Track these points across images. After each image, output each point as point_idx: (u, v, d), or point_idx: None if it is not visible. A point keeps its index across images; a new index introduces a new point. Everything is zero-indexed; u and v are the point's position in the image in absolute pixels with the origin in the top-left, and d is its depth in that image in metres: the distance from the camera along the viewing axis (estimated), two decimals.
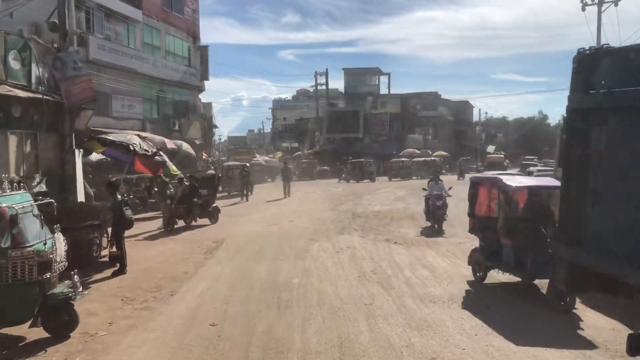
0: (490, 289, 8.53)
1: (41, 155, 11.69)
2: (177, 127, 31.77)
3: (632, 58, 4.42)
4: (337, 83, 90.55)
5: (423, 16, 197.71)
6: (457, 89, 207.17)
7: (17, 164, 11.09)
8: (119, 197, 10.20)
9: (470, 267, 9.91)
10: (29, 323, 6.11)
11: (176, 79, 32.38)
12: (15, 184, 7.01)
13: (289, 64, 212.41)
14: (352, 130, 53.93)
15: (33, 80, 11.31)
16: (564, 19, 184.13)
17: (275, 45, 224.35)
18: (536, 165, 30.04)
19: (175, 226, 15.50)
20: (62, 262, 6.42)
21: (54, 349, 6.01)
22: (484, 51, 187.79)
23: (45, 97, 10.98)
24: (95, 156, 17.78)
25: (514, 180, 8.36)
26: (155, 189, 20.10)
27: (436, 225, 14.34)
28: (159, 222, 16.02)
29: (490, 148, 66.55)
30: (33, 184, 11.08)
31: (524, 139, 74.97)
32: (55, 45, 11.94)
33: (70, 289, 6.35)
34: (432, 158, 47.59)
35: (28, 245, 5.98)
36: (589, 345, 6.07)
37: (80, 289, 6.49)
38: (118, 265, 9.94)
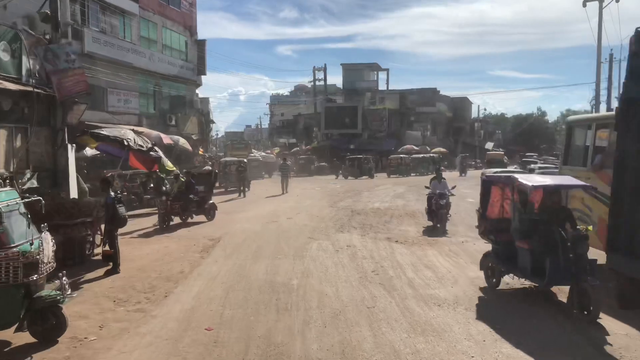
0: (498, 292, 8.16)
1: (32, 150, 11.35)
2: (173, 122, 31.44)
3: None
4: (335, 79, 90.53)
5: (421, 12, 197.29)
6: (454, 85, 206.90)
7: (6, 159, 10.75)
8: (112, 193, 9.87)
9: (473, 268, 9.67)
10: (14, 327, 5.78)
11: (173, 74, 32.04)
12: (1, 180, 6.68)
13: (286, 59, 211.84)
14: (350, 126, 53.66)
15: (24, 72, 10.93)
16: (562, 16, 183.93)
17: (272, 40, 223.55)
18: (536, 162, 29.73)
19: (171, 223, 15.19)
20: (49, 263, 6.10)
21: (40, 355, 5.69)
22: (481, 47, 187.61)
23: (36, 90, 10.63)
24: (89, 151, 17.47)
25: (531, 178, 7.79)
26: (151, 185, 19.81)
27: (439, 225, 13.94)
28: (154, 219, 15.69)
29: (489, 145, 66.36)
30: (23, 180, 10.74)
31: (522, 136, 74.74)
32: (47, 37, 11.56)
33: (58, 292, 6.02)
34: (431, 154, 47.41)
35: (13, 245, 5.65)
36: (605, 356, 5.75)
37: (69, 291, 6.18)
38: (111, 264, 9.62)
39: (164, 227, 14.71)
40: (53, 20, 11.53)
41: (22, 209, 6.20)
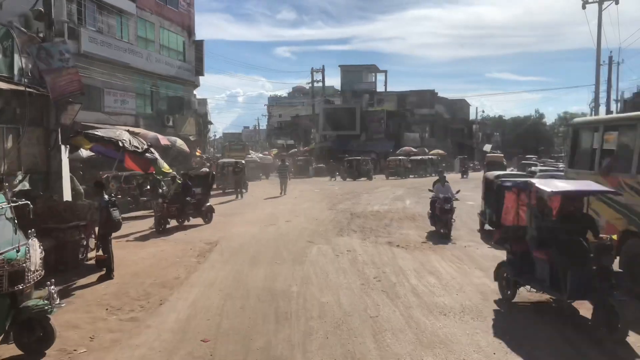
0: (508, 303, 7.73)
1: (24, 151, 11.02)
2: (171, 123, 31.11)
3: None
4: (333, 80, 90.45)
5: (418, 14, 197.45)
6: (452, 87, 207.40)
7: None
8: (106, 196, 9.56)
9: (477, 274, 9.41)
10: None
11: (170, 74, 31.71)
12: None
13: (284, 60, 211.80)
14: (349, 127, 53.38)
15: (15, 71, 10.64)
16: (559, 19, 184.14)
17: (270, 42, 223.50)
18: (536, 165, 29.49)
19: (167, 226, 14.85)
20: (37, 271, 5.78)
21: None
22: (479, 50, 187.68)
23: (28, 89, 10.31)
24: (85, 152, 17.13)
25: (550, 183, 7.28)
26: (147, 187, 19.49)
27: (442, 230, 13.31)
28: (150, 222, 15.36)
29: (487, 147, 66.24)
30: (15, 182, 10.42)
31: (520, 139, 74.60)
32: (41, 35, 11.25)
33: (46, 301, 5.71)
34: (429, 157, 47.20)
35: None
36: None
37: (58, 301, 5.86)
38: (104, 269, 9.31)
39: (160, 230, 14.40)
40: (46, 17, 11.23)
41: (9, 214, 5.89)
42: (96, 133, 11.83)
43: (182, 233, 14.32)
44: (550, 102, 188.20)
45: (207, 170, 20.18)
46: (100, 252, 9.45)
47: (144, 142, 12.72)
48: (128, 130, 13.07)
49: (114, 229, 9.52)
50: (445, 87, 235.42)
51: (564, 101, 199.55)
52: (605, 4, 29.17)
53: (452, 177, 31.99)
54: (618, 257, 7.91)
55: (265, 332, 6.44)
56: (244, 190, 25.71)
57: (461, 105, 72.73)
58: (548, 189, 6.73)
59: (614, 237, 6.83)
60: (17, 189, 10.16)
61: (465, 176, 39.48)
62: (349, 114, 53.93)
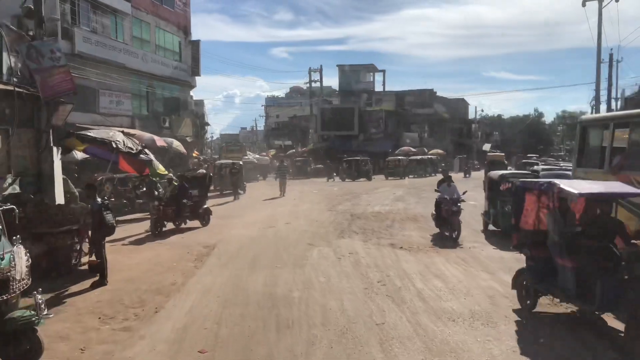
0: (518, 306, 7.37)
1: (14, 153, 10.66)
2: (167, 124, 30.77)
3: None
4: (331, 81, 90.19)
5: (414, 14, 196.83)
6: (450, 87, 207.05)
7: None
8: (99, 199, 9.21)
9: (484, 276, 9.09)
10: None
11: (166, 74, 31.39)
12: None
13: (281, 61, 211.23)
14: (347, 127, 53.02)
15: (4, 70, 10.29)
16: (556, 18, 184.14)
17: (267, 43, 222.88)
18: (538, 164, 29.19)
19: (164, 229, 14.50)
20: (23, 280, 5.44)
21: None
22: (476, 49, 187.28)
23: (17, 89, 9.96)
24: (80, 154, 16.78)
25: (575, 185, 6.61)
26: (144, 189, 19.14)
27: (447, 233, 12.83)
28: (146, 224, 15.01)
29: (486, 146, 65.95)
30: (5, 185, 10.05)
31: (519, 137, 74.29)
32: (31, 33, 10.90)
33: (33, 312, 5.36)
34: (429, 156, 46.92)
35: None
36: None
37: (45, 311, 5.50)
38: (98, 275, 8.96)
39: (156, 233, 14.05)
40: (36, 15, 10.88)
41: None
42: (89, 134, 11.48)
43: (179, 236, 13.98)
44: (548, 101, 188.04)
45: (204, 171, 19.83)
46: (94, 257, 9.10)
47: (138, 143, 12.36)
48: (123, 131, 12.70)
49: (107, 234, 9.15)
50: (444, 87, 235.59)
51: (562, 100, 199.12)
52: (606, 1, 28.90)
53: (454, 177, 31.68)
54: None
55: (265, 341, 6.11)
56: (241, 192, 25.42)
57: (460, 105, 72.43)
58: (575, 191, 6.12)
59: None
60: (6, 193, 9.80)
61: (467, 175, 39.55)
62: (347, 114, 53.55)
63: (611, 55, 33.22)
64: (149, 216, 15.02)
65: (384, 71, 65.55)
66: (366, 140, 52.70)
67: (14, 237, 5.72)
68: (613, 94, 34.07)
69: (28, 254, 5.76)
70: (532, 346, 5.91)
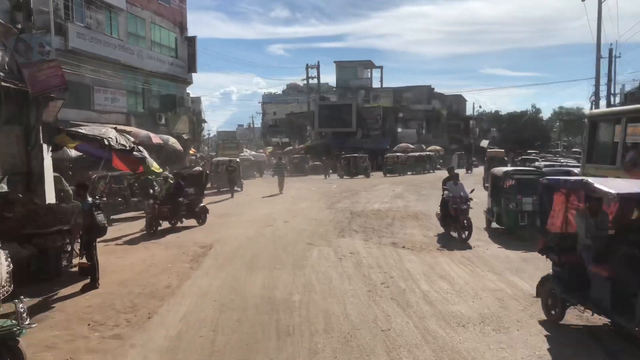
0: (530, 312, 6.96)
1: (2, 150, 10.23)
2: (163, 122, 30.31)
3: None
4: (328, 78, 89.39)
5: (411, 11, 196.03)
6: (447, 83, 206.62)
7: None
8: (90, 199, 8.82)
9: (491, 277, 8.74)
10: None
11: (162, 71, 30.92)
12: None
13: (278, 58, 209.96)
14: (345, 124, 52.59)
15: None
16: (553, 14, 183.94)
17: (264, 40, 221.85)
18: (538, 160, 28.86)
19: (159, 228, 14.10)
20: (4, 287, 5.06)
21: None
22: (473, 46, 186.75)
23: (4, 84, 9.53)
24: (74, 152, 16.36)
25: (611, 183, 5.84)
26: (138, 186, 18.71)
27: (454, 234, 12.38)
28: (141, 223, 14.62)
29: (484, 142, 65.62)
30: None
31: (517, 133, 73.93)
32: (19, 26, 10.47)
33: (14, 322, 4.97)
34: (427, 153, 46.60)
35: None
36: None
37: (27, 321, 5.11)
38: (89, 278, 8.57)
39: (151, 232, 13.66)
40: (25, 7, 10.45)
41: None
42: (80, 130, 11.05)
43: (174, 235, 13.59)
44: (545, 97, 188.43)
45: (201, 169, 19.43)
46: (84, 260, 8.72)
47: (131, 140, 11.94)
48: (116, 128, 12.27)
49: (98, 235, 8.77)
50: (441, 84, 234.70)
51: (559, 96, 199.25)
52: None
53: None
54: None
55: (265, 350, 5.74)
56: (238, 189, 25.05)
57: (458, 101, 72.16)
58: (613, 191, 5.40)
59: None
60: None
61: (469, 171, 39.50)
62: (344, 111, 53.10)
63: (611, 51, 32.92)
64: (144, 215, 14.64)
65: (381, 68, 65.30)
66: (364, 137, 52.32)
67: None
68: (614, 89, 33.82)
69: (9, 258, 5.36)
70: (548, 354, 5.56)
